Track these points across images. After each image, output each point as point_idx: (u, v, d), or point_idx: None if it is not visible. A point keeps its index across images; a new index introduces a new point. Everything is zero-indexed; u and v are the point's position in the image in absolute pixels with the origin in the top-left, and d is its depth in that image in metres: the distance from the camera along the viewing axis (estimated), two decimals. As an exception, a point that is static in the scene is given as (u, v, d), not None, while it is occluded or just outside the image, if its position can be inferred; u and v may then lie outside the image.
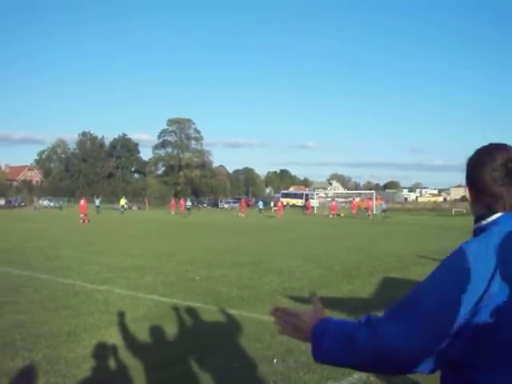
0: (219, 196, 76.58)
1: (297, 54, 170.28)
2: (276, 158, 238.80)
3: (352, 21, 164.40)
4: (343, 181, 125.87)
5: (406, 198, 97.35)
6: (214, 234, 20.86)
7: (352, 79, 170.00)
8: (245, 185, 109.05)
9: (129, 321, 5.80)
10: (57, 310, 6.36)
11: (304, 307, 1.45)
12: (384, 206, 40.54)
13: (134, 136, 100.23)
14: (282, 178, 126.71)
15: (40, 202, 59.21)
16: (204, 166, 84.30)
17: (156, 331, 5.40)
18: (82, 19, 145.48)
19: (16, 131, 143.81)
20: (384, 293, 7.45)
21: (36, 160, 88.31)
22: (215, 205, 65.75)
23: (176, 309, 6.41)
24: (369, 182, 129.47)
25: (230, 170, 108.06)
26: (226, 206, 63.30)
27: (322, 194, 70.11)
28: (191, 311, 6.33)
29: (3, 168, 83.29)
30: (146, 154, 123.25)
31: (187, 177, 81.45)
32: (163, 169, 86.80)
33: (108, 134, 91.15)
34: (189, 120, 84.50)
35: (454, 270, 1.18)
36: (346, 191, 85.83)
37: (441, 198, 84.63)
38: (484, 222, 1.27)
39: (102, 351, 4.68)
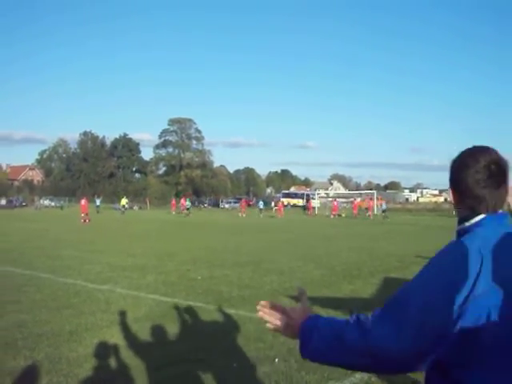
0: (220, 196, 76.52)
1: (297, 54, 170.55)
2: (276, 158, 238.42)
3: (352, 21, 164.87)
4: (344, 181, 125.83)
5: (407, 199, 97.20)
6: (215, 233, 20.87)
7: (352, 79, 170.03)
8: (246, 185, 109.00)
9: (130, 320, 5.81)
10: (58, 309, 6.38)
11: None
12: (384, 206, 40.47)
13: (135, 136, 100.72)
14: (283, 178, 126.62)
15: (41, 201, 59.15)
16: (205, 165, 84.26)
17: (157, 331, 5.41)
18: (81, 19, 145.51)
19: (17, 131, 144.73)
20: (385, 293, 7.43)
21: (37, 160, 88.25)
22: (216, 205, 65.67)
23: (177, 308, 6.42)
24: (370, 183, 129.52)
25: (231, 170, 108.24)
26: (226, 205, 63.23)
27: (323, 194, 70.00)
28: (192, 311, 6.34)
29: (4, 168, 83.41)
30: (147, 154, 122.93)
31: (188, 177, 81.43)
32: (164, 169, 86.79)
33: (109, 134, 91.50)
34: (190, 120, 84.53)
35: (441, 270, 1.20)
36: (347, 191, 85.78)
37: (441, 199, 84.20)
38: (467, 224, 1.29)
39: (104, 350, 4.70)
